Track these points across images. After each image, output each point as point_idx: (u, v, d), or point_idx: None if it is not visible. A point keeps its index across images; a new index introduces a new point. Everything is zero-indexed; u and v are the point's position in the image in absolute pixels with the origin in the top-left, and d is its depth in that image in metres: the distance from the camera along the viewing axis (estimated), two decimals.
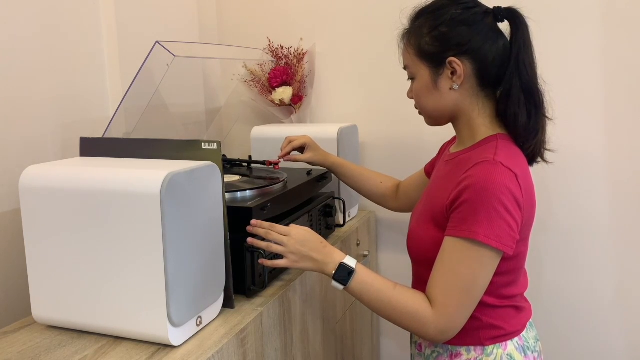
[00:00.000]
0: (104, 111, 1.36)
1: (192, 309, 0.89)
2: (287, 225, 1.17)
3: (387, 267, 1.78)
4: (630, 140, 1.46)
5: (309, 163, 1.39)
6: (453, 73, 0.98)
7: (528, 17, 0.98)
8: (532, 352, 1.03)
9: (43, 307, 0.93)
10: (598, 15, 1.44)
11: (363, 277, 0.97)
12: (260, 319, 0.99)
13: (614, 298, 1.53)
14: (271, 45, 1.75)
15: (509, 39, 0.99)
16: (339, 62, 1.74)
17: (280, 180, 1.25)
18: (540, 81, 0.99)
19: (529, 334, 1.04)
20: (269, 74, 1.72)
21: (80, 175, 0.88)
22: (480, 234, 0.89)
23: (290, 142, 1.38)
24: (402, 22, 1.06)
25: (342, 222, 1.52)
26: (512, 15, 0.98)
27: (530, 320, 1.07)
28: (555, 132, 1.53)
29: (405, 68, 1.06)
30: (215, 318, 0.97)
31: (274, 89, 1.71)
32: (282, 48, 1.73)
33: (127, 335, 0.89)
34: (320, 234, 1.35)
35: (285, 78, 1.70)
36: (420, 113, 1.08)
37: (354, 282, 0.96)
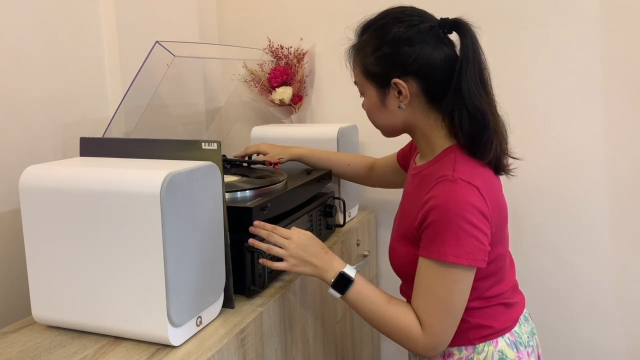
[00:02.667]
0: (104, 111, 1.36)
1: (192, 309, 0.89)
2: (288, 226, 1.17)
3: (387, 267, 1.78)
4: (631, 139, 1.46)
5: (267, 160, 1.39)
6: (399, 92, 0.97)
7: (476, 25, 0.96)
8: (525, 347, 1.03)
9: (43, 307, 0.93)
10: (598, 15, 1.44)
11: (360, 288, 0.98)
12: (260, 319, 0.99)
13: (614, 297, 1.53)
14: (271, 45, 1.74)
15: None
16: (339, 62, 1.73)
17: (280, 180, 1.25)
18: (491, 93, 0.97)
19: (521, 329, 1.04)
20: (269, 74, 1.72)
21: (80, 175, 0.88)
22: (450, 255, 0.89)
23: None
24: (348, 36, 1.04)
25: (342, 222, 1.52)
26: (458, 27, 0.96)
27: (525, 314, 1.07)
28: (555, 132, 1.54)
29: (355, 83, 1.06)
30: (215, 318, 0.97)
31: (274, 89, 1.71)
32: (282, 48, 1.73)
33: (127, 335, 0.89)
34: (320, 234, 1.36)
35: (285, 78, 1.70)
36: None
37: (351, 292, 0.97)
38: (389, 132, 1.06)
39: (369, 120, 1.82)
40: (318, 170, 1.41)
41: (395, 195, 1.60)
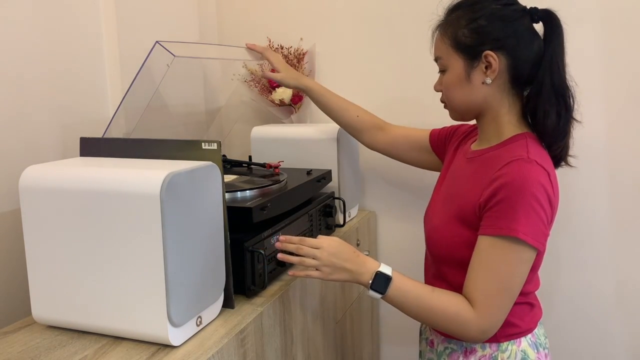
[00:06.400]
0: (104, 111, 1.36)
1: (192, 309, 0.89)
2: (287, 226, 1.17)
3: None
4: (631, 139, 1.46)
5: (279, 82, 1.37)
6: (487, 67, 0.98)
7: (563, 20, 0.99)
8: (543, 349, 1.04)
9: (43, 307, 0.93)
10: (597, 15, 1.44)
11: (400, 284, 0.97)
12: (260, 319, 0.99)
13: (614, 297, 1.53)
14: (271, 45, 1.74)
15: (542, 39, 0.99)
16: (339, 62, 1.74)
17: (280, 180, 1.25)
18: (571, 84, 0.99)
19: (539, 331, 1.05)
20: None
21: (80, 175, 0.88)
22: (520, 231, 0.89)
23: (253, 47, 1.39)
24: (437, 13, 1.06)
25: (342, 222, 1.52)
26: (549, 17, 0.99)
27: (540, 320, 1.08)
28: None
29: (436, 60, 1.06)
30: (215, 318, 0.97)
31: (274, 89, 1.71)
32: (282, 48, 1.73)
33: (127, 335, 0.89)
34: (320, 234, 1.36)
35: None
36: (445, 107, 1.08)
37: (392, 289, 0.96)
38: (463, 111, 1.04)
39: None
40: (318, 170, 1.41)
41: (395, 195, 1.60)
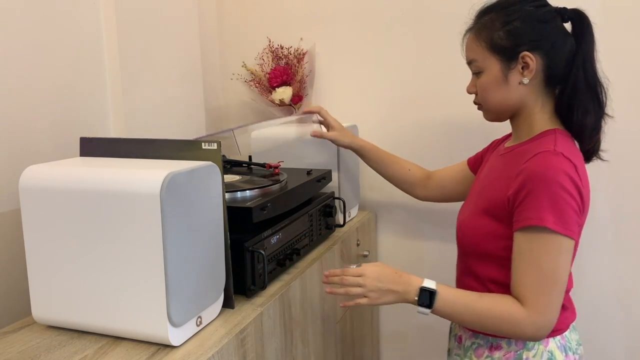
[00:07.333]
0: (104, 111, 1.35)
1: (192, 309, 0.89)
2: (287, 226, 1.17)
3: None
4: (632, 139, 1.46)
5: (333, 142, 1.39)
6: (524, 67, 1.00)
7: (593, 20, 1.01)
8: (574, 354, 1.03)
9: (43, 307, 0.93)
10: (597, 13, 1.44)
11: (446, 295, 0.98)
12: (260, 319, 0.99)
13: (615, 297, 1.53)
14: (271, 45, 1.74)
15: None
16: (339, 62, 1.74)
17: (280, 180, 1.25)
18: (604, 81, 1.01)
19: (571, 335, 1.05)
20: (269, 74, 1.72)
21: (80, 175, 0.88)
22: (549, 221, 0.91)
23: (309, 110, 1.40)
24: (469, 16, 1.08)
25: (342, 222, 1.52)
26: (578, 17, 1.02)
27: (573, 323, 1.07)
28: None
29: (469, 62, 1.07)
30: (215, 318, 0.97)
31: (274, 89, 1.71)
32: (282, 48, 1.73)
33: (127, 335, 0.89)
34: (320, 234, 1.36)
35: (285, 78, 1.70)
36: (479, 108, 1.10)
37: (439, 302, 0.97)
38: (500, 111, 1.06)
39: (369, 121, 1.82)
40: (318, 170, 1.41)
41: (395, 195, 1.60)
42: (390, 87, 1.68)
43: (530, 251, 0.93)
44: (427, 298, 0.97)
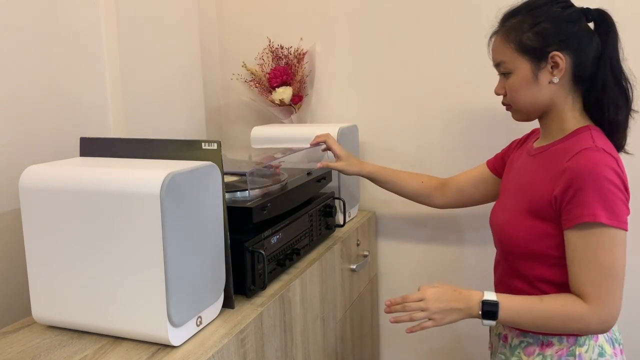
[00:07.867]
0: (103, 111, 1.36)
1: (192, 309, 0.89)
2: (287, 226, 1.17)
3: (387, 267, 1.78)
4: (632, 138, 1.46)
5: (341, 172, 1.40)
6: (553, 67, 1.02)
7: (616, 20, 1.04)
8: (619, 344, 1.06)
9: (43, 307, 0.93)
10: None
11: (508, 304, 0.99)
12: (260, 319, 0.99)
13: None
14: (271, 45, 1.74)
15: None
16: (339, 62, 1.74)
17: (281, 180, 1.25)
18: (631, 77, 1.04)
19: (614, 326, 1.06)
20: (269, 74, 1.72)
21: (80, 175, 0.88)
22: (602, 216, 0.92)
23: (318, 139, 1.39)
24: (496, 19, 1.09)
25: (342, 222, 1.52)
26: (602, 17, 1.04)
27: None
28: None
29: (498, 64, 1.09)
30: (215, 318, 0.97)
31: (274, 89, 1.71)
32: (282, 48, 1.73)
33: (127, 335, 0.89)
34: (320, 234, 1.36)
35: (285, 78, 1.70)
36: (508, 109, 1.11)
37: (503, 312, 0.99)
38: (530, 111, 1.08)
39: (369, 121, 1.82)
40: (318, 170, 1.41)
41: (395, 195, 1.60)
42: (390, 87, 1.68)
43: (587, 248, 0.95)
44: (491, 310, 0.99)
